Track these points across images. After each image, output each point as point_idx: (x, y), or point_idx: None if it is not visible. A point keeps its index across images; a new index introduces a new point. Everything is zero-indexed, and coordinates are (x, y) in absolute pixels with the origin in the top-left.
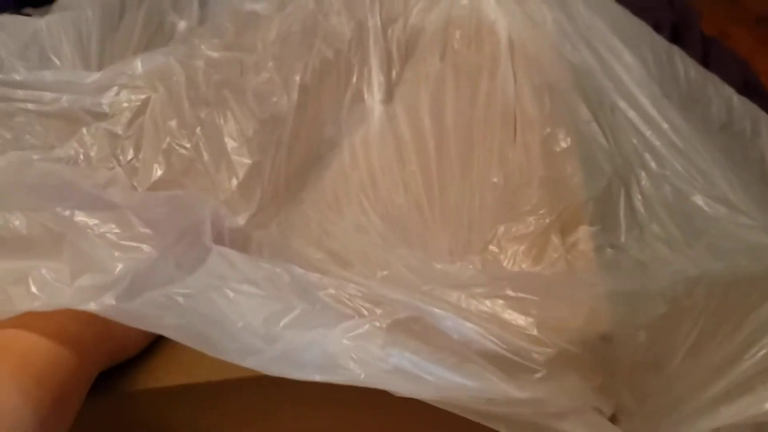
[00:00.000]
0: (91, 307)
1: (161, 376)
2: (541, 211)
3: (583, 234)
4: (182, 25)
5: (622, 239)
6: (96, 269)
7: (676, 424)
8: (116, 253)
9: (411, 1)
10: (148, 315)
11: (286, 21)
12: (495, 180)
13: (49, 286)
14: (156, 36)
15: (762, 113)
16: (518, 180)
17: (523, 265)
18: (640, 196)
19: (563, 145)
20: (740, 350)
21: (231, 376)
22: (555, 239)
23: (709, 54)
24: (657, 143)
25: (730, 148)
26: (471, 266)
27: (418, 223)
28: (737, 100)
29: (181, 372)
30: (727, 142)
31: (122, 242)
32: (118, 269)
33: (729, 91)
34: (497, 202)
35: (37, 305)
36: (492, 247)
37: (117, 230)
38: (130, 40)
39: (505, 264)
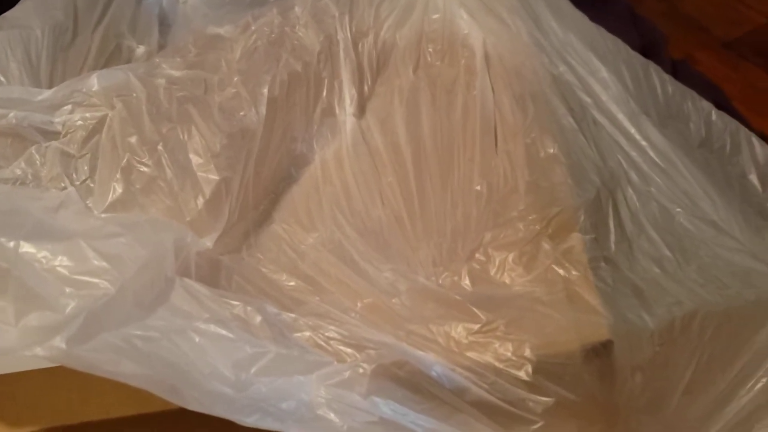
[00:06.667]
0: (38, 352)
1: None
2: (531, 217)
3: (577, 242)
4: (140, 50)
5: (613, 251)
6: (44, 308)
7: None
8: (67, 289)
9: (381, 15)
10: (103, 360)
11: (251, 38)
12: (478, 188)
13: None
14: (112, 60)
15: (742, 127)
16: (503, 187)
17: (513, 275)
18: (627, 211)
19: (550, 151)
20: (736, 385)
21: None
22: (546, 246)
23: (677, 77)
24: (639, 160)
25: (710, 165)
26: (457, 295)
27: (398, 235)
28: (716, 116)
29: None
30: (706, 158)
31: (75, 277)
32: (69, 308)
33: (707, 106)
34: (482, 210)
35: None
36: (479, 256)
37: (69, 263)
38: (84, 62)
39: (493, 273)
